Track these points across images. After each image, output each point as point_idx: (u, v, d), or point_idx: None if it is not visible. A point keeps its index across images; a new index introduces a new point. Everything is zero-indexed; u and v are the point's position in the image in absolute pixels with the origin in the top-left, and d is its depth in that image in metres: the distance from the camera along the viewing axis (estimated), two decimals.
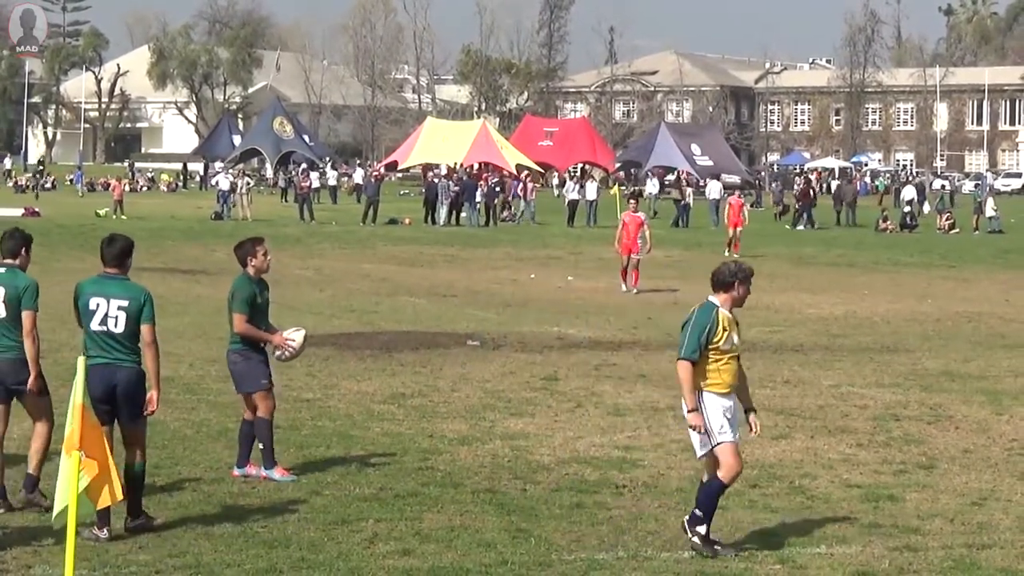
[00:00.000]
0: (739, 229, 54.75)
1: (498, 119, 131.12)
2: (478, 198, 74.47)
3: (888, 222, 78.10)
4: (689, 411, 13.89)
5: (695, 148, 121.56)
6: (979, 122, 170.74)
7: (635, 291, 38.13)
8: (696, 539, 13.72)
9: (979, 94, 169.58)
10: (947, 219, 77.85)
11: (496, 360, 16.79)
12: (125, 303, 13.45)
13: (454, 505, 15.28)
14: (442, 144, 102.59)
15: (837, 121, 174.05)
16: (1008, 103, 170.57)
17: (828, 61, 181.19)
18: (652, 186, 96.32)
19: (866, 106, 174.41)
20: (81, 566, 9.88)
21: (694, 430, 13.84)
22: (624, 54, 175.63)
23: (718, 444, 13.74)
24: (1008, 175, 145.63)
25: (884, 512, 15.46)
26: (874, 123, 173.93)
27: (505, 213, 74.79)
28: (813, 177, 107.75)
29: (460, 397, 17.11)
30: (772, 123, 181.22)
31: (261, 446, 16.43)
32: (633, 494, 15.99)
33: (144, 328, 13.58)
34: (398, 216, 71.76)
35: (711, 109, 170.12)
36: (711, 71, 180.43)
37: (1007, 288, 44.91)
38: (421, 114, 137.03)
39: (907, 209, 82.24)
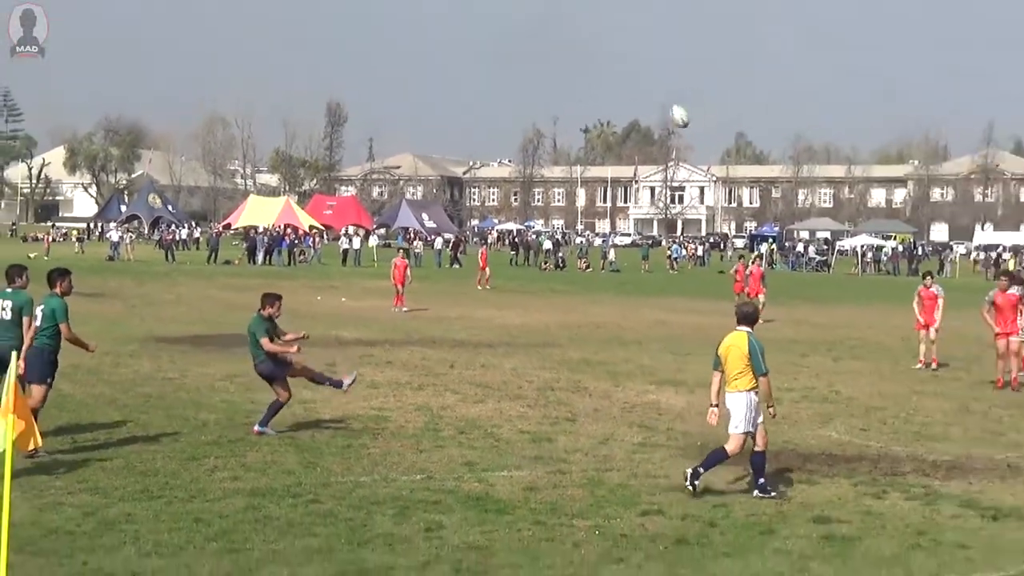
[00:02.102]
0: (488, 270, 54.21)
1: (297, 196, 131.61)
2: (283, 247, 74.47)
3: (548, 265, 79.07)
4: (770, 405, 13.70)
5: (424, 216, 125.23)
6: (605, 201, 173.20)
7: (403, 310, 38.05)
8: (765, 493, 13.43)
9: (604, 183, 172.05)
10: (584, 263, 79.02)
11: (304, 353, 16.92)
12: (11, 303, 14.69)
13: (267, 447, 15.55)
14: (260, 212, 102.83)
15: (515, 199, 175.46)
16: (623, 189, 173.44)
17: (510, 160, 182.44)
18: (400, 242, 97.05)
19: (533, 190, 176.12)
20: (17, 489, 9.74)
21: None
22: (379, 154, 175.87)
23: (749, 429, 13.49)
24: (622, 235, 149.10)
25: (544, 449, 15.94)
26: (539, 201, 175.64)
27: (301, 257, 74.38)
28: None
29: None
30: (474, 200, 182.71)
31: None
32: (384, 439, 16.31)
33: (24, 319, 14.50)
34: (231, 258, 70.98)
35: (435, 191, 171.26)
36: (435, 166, 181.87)
37: (623, 308, 45.45)
38: (246, 192, 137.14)
39: (546, 252, 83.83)
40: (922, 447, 16.87)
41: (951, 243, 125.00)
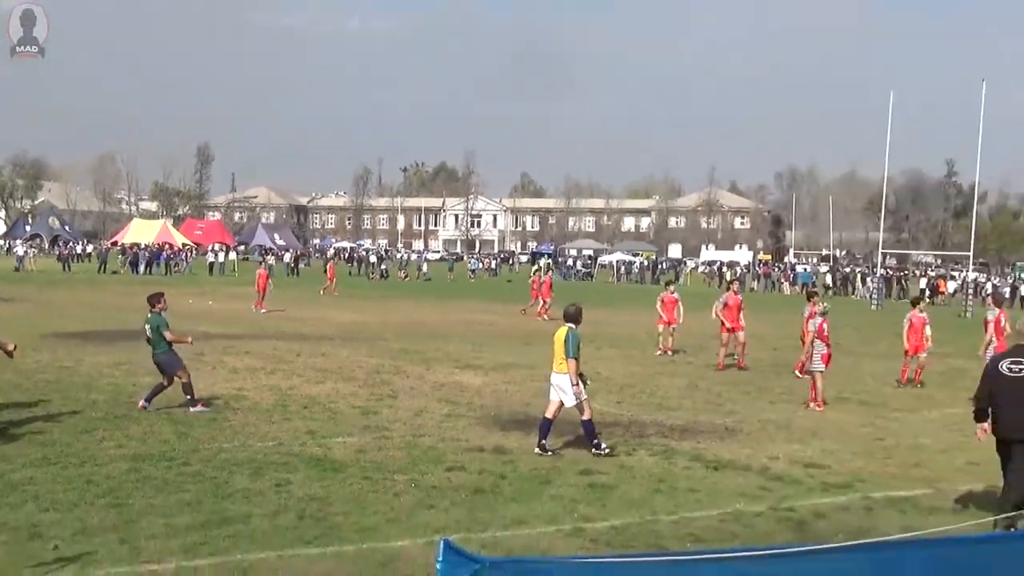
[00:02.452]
0: (335, 281, 53.10)
1: (172, 219, 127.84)
2: (161, 260, 72.52)
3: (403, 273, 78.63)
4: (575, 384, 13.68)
5: (276, 236, 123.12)
6: (419, 225, 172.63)
7: (262, 311, 37.20)
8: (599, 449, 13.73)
9: (419, 211, 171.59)
10: (404, 274, 78.67)
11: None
12: None
13: (147, 421, 15.19)
14: (142, 232, 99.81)
15: (349, 223, 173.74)
16: (434, 216, 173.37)
17: (344, 192, 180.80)
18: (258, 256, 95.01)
19: (363, 215, 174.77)
20: None
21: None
22: (240, 187, 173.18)
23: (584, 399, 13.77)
24: (433, 251, 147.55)
25: (371, 420, 15.86)
26: (368, 224, 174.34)
27: (175, 268, 72.35)
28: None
29: (150, 364, 16.57)
30: (316, 223, 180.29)
31: (188, 397, 16.07)
32: (242, 413, 16.03)
33: None
34: (118, 269, 68.76)
35: (284, 216, 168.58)
36: (284, 196, 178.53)
37: (434, 309, 45.60)
38: (130, 216, 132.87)
39: (373, 265, 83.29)
40: (662, 415, 17.27)
41: (684, 259, 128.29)
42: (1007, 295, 54.35)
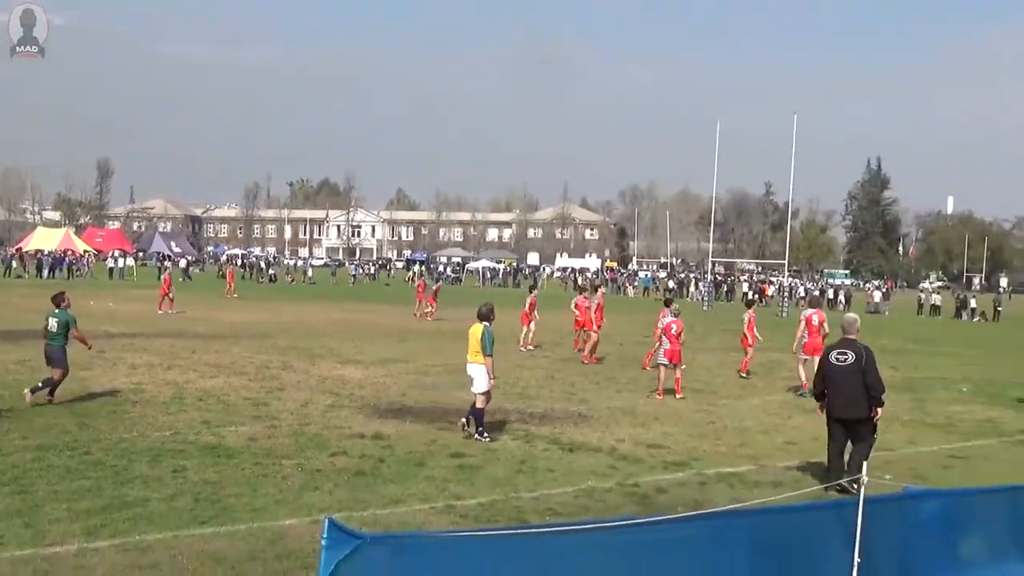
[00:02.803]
0: (234, 285, 51.78)
1: (75, 228, 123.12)
2: (64, 265, 69.85)
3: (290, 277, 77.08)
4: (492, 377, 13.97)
5: (172, 244, 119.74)
6: (305, 234, 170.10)
7: (172, 312, 36.07)
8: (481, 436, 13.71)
9: (304, 222, 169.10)
10: (291, 278, 77.41)
11: (73, 344, 15.74)
12: None
13: (52, 413, 14.65)
14: (46, 239, 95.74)
15: (240, 232, 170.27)
16: (318, 226, 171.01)
17: (236, 204, 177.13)
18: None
19: (253, 225, 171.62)
20: None
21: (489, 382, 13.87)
22: (138, 198, 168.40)
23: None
24: (317, 258, 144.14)
25: (261, 410, 15.57)
26: (258, 233, 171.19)
27: (78, 272, 69.75)
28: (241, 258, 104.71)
29: None
30: (210, 233, 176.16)
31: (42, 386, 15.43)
32: (141, 405, 15.53)
33: None
34: (23, 274, 66.02)
35: (180, 226, 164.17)
36: (180, 207, 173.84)
37: (319, 310, 45.01)
38: (35, 225, 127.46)
39: (262, 270, 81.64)
40: (523, 404, 17.34)
41: (542, 266, 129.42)
42: (819, 297, 56.22)
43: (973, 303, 65.03)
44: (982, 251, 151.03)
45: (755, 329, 23.45)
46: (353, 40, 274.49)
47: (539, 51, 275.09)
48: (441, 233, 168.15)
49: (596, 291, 27.72)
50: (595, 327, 25.26)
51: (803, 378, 20.65)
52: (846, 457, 11.59)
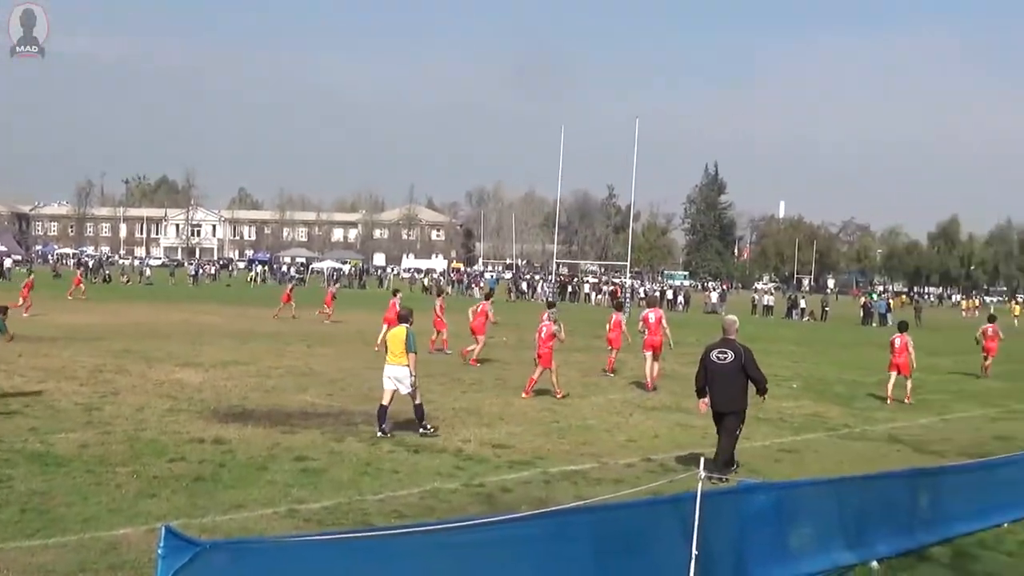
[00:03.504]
0: (83, 286, 48.80)
1: None
2: None
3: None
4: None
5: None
6: (142, 233, 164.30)
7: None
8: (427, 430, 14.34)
9: (142, 220, 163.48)
10: (126, 278, 74.69)
11: None
12: None
13: None
14: None
15: (72, 231, 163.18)
16: (156, 225, 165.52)
17: (67, 201, 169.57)
18: None
19: (86, 223, 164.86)
20: None
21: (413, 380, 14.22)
22: None
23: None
24: (155, 258, 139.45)
25: (94, 416, 15.06)
26: (90, 232, 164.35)
27: None
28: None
29: None
30: (38, 231, 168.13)
31: None
32: (35, 409, 14.51)
33: None
34: None
35: (6, 223, 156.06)
36: (7, 203, 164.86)
37: (157, 311, 43.57)
38: None
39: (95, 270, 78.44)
40: (369, 406, 17.13)
41: (388, 267, 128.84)
42: (658, 297, 57.74)
43: (803, 303, 68.09)
44: (811, 254, 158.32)
45: (624, 329, 24.13)
46: (194, 32, 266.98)
47: (389, 49, 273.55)
48: (285, 233, 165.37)
49: (439, 296, 27.78)
50: (440, 326, 25.43)
51: (649, 375, 21.55)
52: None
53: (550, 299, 44.33)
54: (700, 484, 7.25)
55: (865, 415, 19.23)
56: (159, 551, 4.44)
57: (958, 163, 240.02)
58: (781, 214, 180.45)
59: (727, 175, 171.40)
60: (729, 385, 12.26)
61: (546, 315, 20.75)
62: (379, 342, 27.58)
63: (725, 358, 12.30)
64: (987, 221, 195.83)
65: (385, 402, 14.27)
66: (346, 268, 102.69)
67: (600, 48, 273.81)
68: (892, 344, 21.82)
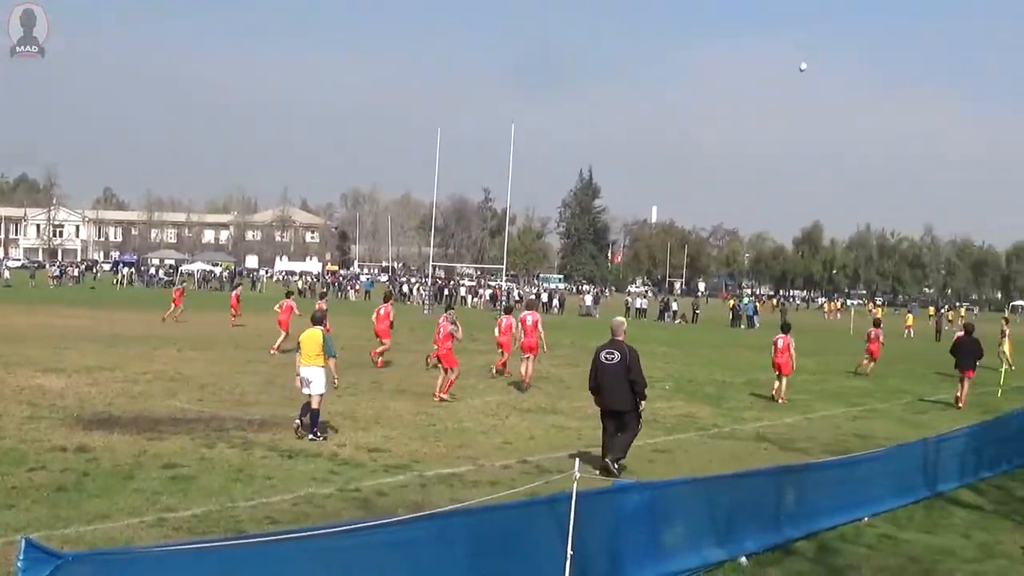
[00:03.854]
0: None
1: None
2: None
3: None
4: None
5: None
6: (1, 232, 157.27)
7: None
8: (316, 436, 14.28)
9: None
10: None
11: None
12: None
13: None
14: None
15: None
16: (15, 225, 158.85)
17: None
18: None
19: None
20: None
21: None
22: None
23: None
24: (14, 259, 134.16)
25: None
26: (4, 232, 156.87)
27: None
28: None
29: None
30: None
31: None
32: None
33: None
34: None
35: None
36: None
37: (16, 314, 41.88)
38: None
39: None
40: (241, 411, 16.86)
41: (261, 269, 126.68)
42: (536, 301, 58.24)
43: (675, 306, 69.64)
44: (683, 258, 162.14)
45: (514, 331, 24.46)
46: (56, 20, 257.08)
47: (261, 49, 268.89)
48: (153, 234, 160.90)
49: (322, 298, 27.56)
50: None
51: (524, 374, 21.96)
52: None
53: (448, 302, 44.22)
54: (575, 485, 7.33)
55: (734, 415, 19.75)
56: (18, 564, 4.26)
57: (821, 170, 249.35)
58: (654, 219, 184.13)
59: (601, 180, 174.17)
60: (617, 384, 12.73)
61: (443, 317, 20.81)
62: (276, 346, 27.19)
63: (612, 358, 12.80)
64: (848, 227, 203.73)
65: (306, 400, 14.62)
66: (217, 270, 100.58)
67: (478, 51, 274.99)
68: (775, 344, 22.56)
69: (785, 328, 23.20)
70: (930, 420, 20.17)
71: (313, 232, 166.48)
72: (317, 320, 14.95)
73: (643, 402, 12.95)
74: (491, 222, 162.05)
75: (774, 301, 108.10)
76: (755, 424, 18.49)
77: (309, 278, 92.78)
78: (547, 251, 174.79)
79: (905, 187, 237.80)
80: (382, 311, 26.33)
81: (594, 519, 7.65)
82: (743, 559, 9.06)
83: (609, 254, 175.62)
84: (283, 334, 27.80)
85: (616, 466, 12.58)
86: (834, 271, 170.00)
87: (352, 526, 6.58)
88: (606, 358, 12.86)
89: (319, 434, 14.33)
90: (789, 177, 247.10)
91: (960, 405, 22.58)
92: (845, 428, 18.75)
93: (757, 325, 61.55)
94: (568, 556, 7.24)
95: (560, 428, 16.67)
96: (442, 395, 19.28)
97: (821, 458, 13.66)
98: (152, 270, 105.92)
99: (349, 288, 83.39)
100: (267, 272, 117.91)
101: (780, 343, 22.44)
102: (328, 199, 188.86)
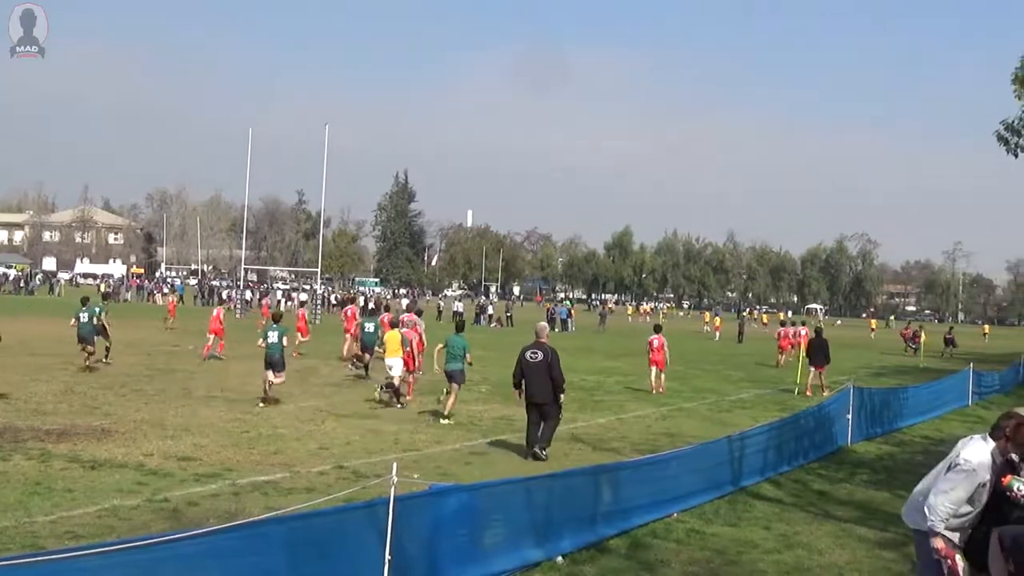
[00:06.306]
0: None
1: None
2: None
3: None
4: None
5: None
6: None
7: None
8: None
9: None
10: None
11: None
12: None
13: None
14: None
15: None
16: None
17: None
18: None
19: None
20: None
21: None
22: None
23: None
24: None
25: None
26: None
27: None
28: None
29: None
30: None
31: None
32: None
33: None
34: None
35: None
36: None
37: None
38: None
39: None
40: (38, 420, 16.00)
41: (58, 272, 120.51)
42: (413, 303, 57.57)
43: (490, 310, 70.24)
44: (498, 261, 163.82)
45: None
46: None
47: (62, 46, 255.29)
48: None
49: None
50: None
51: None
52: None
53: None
54: (393, 489, 7.29)
55: None
56: None
57: (631, 176, 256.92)
58: (469, 223, 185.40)
59: (417, 183, 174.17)
60: (541, 380, 14.73)
61: (405, 318, 22.71)
62: (203, 353, 26.78)
63: (536, 357, 14.84)
64: (656, 232, 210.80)
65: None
66: (12, 273, 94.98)
67: (291, 51, 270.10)
68: (651, 344, 25.62)
69: (657, 329, 26.33)
70: (733, 418, 21.06)
71: (117, 233, 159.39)
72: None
73: (562, 395, 14.91)
74: (305, 224, 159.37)
75: (609, 304, 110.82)
76: (568, 425, 18.78)
77: (111, 281, 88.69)
78: (363, 254, 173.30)
79: (711, 195, 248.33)
80: (349, 312, 31.48)
81: (412, 523, 7.63)
82: (559, 558, 9.22)
83: (425, 257, 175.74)
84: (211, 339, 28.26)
85: (544, 453, 14.55)
86: (643, 275, 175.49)
87: (160, 538, 6.33)
88: (531, 357, 14.90)
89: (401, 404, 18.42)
90: (600, 183, 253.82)
91: (808, 392, 25.97)
92: (655, 427, 19.34)
93: (571, 328, 62.81)
94: (386, 561, 7.19)
95: (376, 432, 16.55)
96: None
97: (632, 457, 14.08)
98: None
99: (156, 292, 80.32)
100: (68, 275, 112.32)
101: (656, 343, 25.42)
102: (132, 199, 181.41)
